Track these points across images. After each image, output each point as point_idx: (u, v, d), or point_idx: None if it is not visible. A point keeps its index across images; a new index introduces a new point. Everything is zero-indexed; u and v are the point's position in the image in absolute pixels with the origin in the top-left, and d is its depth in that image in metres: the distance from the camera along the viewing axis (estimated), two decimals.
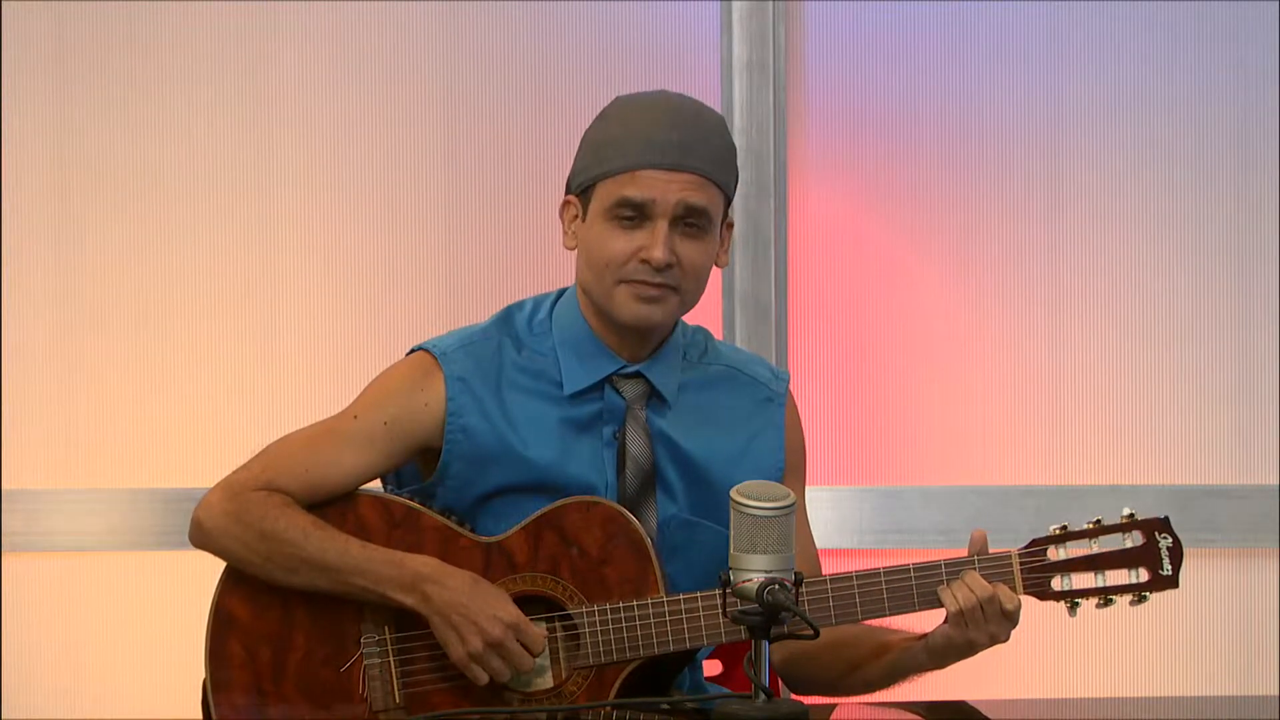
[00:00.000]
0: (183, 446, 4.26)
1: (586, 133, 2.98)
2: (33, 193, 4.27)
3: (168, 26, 4.27)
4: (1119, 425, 4.31)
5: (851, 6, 4.31)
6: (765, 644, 2.56)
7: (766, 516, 2.56)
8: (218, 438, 4.25)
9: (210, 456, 4.17)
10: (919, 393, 4.31)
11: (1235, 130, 4.31)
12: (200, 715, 2.96)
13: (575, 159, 2.99)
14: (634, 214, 2.89)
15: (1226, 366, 4.32)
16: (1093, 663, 4.28)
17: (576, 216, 2.96)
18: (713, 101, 4.23)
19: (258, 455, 2.97)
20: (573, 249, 2.98)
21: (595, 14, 4.28)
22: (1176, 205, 4.32)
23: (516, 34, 4.29)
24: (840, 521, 4.23)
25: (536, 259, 4.26)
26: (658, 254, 2.88)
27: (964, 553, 2.86)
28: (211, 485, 2.96)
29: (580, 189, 2.95)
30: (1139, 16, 4.31)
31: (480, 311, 3.07)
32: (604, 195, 2.91)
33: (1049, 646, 4.26)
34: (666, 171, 2.90)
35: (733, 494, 2.58)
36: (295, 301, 4.29)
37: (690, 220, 2.91)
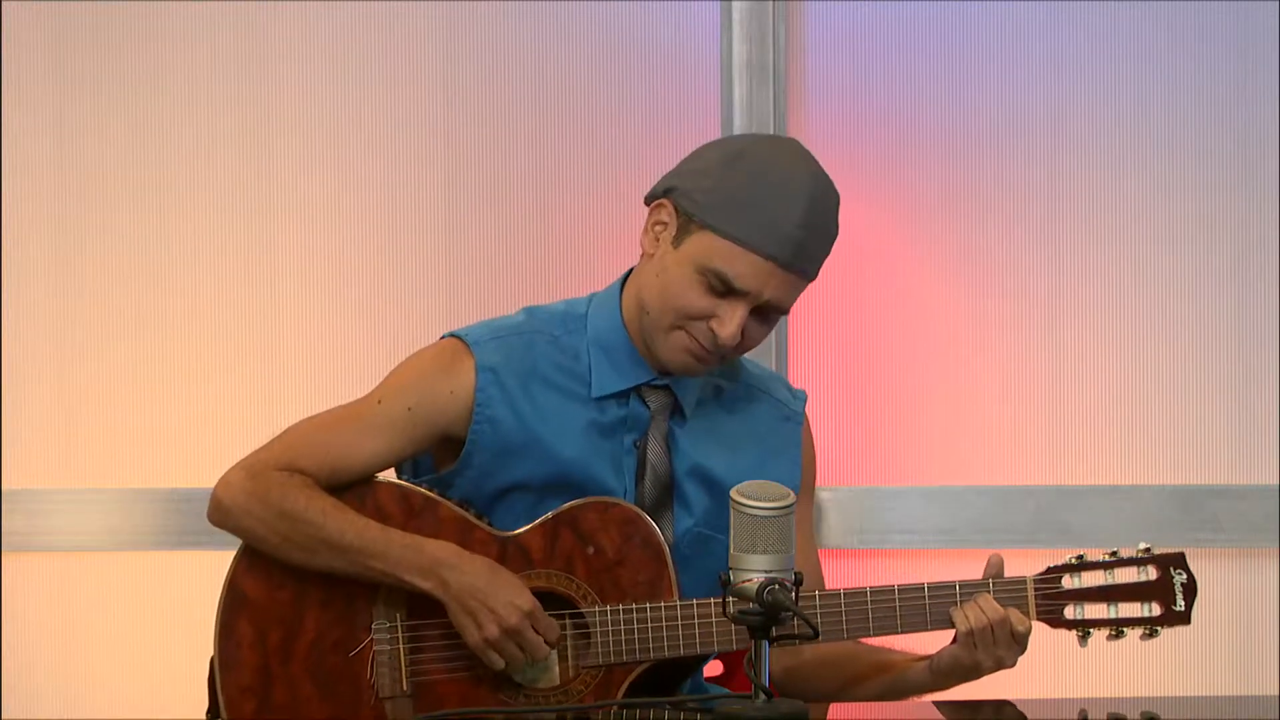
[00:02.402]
0: (182, 446, 4.26)
1: (718, 159, 2.89)
2: (32, 193, 4.27)
3: (168, 27, 4.27)
4: (1119, 425, 4.31)
5: (851, 6, 4.31)
6: (765, 644, 2.56)
7: (766, 516, 2.56)
8: (217, 438, 4.25)
9: (210, 456, 4.16)
10: (919, 393, 4.31)
11: (1236, 129, 4.31)
12: (206, 694, 2.96)
13: (694, 169, 2.90)
14: (723, 288, 2.87)
15: (1226, 367, 4.31)
16: (1092, 662, 4.27)
17: (667, 227, 2.90)
18: (712, 101, 4.23)
19: (279, 436, 2.96)
20: (651, 255, 2.92)
21: (595, 14, 4.28)
22: (1177, 205, 4.32)
23: (516, 34, 4.28)
24: (840, 521, 4.23)
25: (536, 259, 4.25)
26: (726, 335, 2.86)
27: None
28: (211, 485, 2.96)
29: (687, 211, 2.88)
30: (1139, 16, 4.31)
31: (480, 312, 3.06)
32: (706, 247, 2.86)
33: (1048, 646, 4.25)
34: (776, 267, 2.86)
35: (732, 494, 2.58)
36: (295, 302, 4.28)
37: (769, 311, 2.90)
